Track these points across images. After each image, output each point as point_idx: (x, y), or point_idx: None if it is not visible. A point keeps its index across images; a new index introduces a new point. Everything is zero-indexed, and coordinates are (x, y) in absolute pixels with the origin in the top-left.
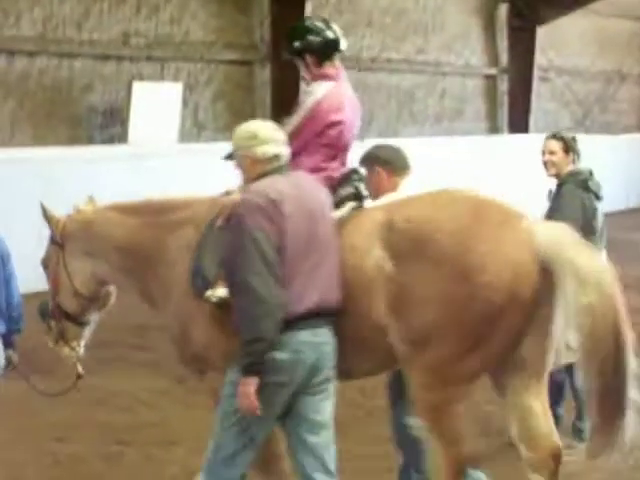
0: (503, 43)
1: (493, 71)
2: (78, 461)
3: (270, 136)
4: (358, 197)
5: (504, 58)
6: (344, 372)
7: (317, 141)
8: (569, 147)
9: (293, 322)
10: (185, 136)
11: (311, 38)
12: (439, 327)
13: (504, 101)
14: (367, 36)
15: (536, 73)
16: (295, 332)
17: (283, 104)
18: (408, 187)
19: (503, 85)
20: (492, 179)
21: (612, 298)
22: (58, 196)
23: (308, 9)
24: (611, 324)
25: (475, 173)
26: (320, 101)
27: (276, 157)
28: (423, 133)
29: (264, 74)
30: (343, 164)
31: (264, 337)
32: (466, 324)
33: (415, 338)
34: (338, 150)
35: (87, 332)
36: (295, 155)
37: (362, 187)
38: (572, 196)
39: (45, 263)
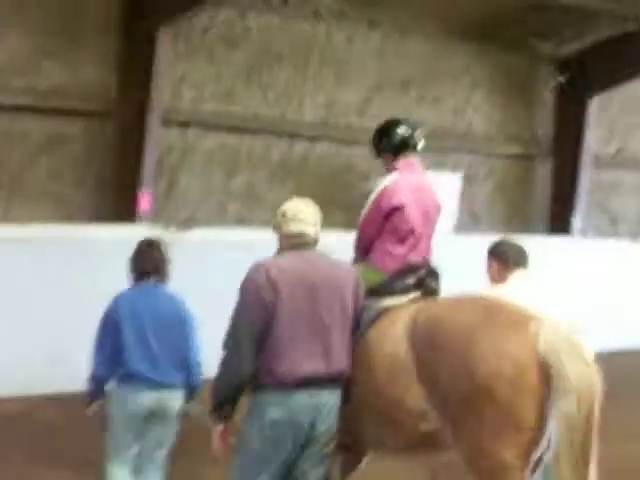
0: None
1: None
2: None
3: (296, 215)
4: (421, 288)
5: None
6: (378, 445)
7: (384, 226)
8: None
9: (290, 386)
10: (460, 227)
11: (385, 140)
12: (458, 413)
13: None
14: None
15: None
16: (292, 395)
17: (563, 200)
18: (520, 281)
19: None
20: None
21: (588, 410)
22: None
23: (592, 106)
24: (582, 436)
25: None
26: (382, 190)
27: (300, 235)
28: None
29: (544, 169)
30: (418, 249)
31: (220, 394)
32: (475, 412)
33: (447, 424)
34: (404, 234)
35: None
36: (371, 241)
37: (430, 281)
38: None
39: None
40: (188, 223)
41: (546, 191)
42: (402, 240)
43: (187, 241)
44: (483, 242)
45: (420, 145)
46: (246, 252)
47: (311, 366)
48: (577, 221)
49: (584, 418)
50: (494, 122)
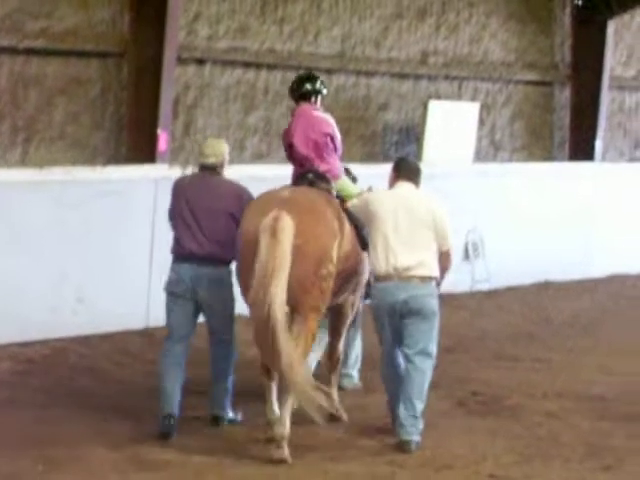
0: None
1: None
2: None
3: (204, 151)
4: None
5: None
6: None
7: (290, 156)
8: None
9: (179, 258)
10: (481, 156)
11: (291, 92)
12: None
13: None
14: None
15: None
16: (180, 264)
17: (583, 125)
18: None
19: None
20: None
21: (266, 270)
22: None
23: (610, 30)
24: (266, 284)
25: None
26: (283, 131)
27: (201, 165)
28: None
29: (563, 95)
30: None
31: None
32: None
33: None
34: (297, 160)
35: None
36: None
37: (319, 182)
38: None
39: None
40: None
41: (566, 117)
42: (301, 165)
43: None
44: (505, 170)
45: (322, 93)
46: (266, 187)
47: (191, 247)
48: (599, 146)
49: (262, 273)
50: (511, 49)
